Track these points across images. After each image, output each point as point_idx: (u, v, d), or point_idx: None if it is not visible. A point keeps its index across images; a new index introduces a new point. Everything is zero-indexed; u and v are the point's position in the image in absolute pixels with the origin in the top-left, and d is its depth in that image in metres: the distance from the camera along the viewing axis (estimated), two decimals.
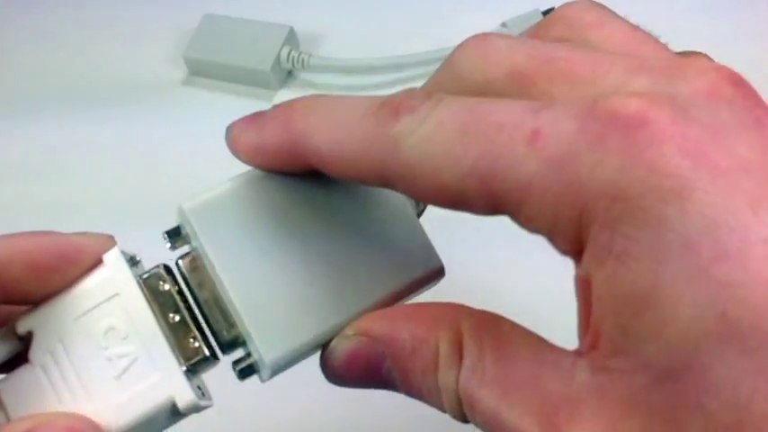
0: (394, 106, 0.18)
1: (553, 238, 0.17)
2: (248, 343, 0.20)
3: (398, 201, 0.21)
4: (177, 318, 0.21)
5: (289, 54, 0.48)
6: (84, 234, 0.21)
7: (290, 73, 0.49)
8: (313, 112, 0.20)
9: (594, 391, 0.16)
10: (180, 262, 0.21)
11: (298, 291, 0.20)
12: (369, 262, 0.21)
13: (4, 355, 0.21)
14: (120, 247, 0.21)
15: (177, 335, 0.20)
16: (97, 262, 0.21)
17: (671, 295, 0.15)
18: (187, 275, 0.21)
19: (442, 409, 0.19)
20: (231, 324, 0.21)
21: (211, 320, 0.21)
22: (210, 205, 0.21)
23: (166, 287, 0.21)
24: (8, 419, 0.20)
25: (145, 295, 0.21)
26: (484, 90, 0.19)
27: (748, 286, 0.15)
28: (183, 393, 0.20)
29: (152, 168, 0.47)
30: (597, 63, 0.18)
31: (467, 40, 0.20)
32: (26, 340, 0.21)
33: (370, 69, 0.48)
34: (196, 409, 0.20)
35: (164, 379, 0.20)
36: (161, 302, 0.21)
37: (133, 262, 0.21)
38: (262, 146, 0.21)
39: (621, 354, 0.16)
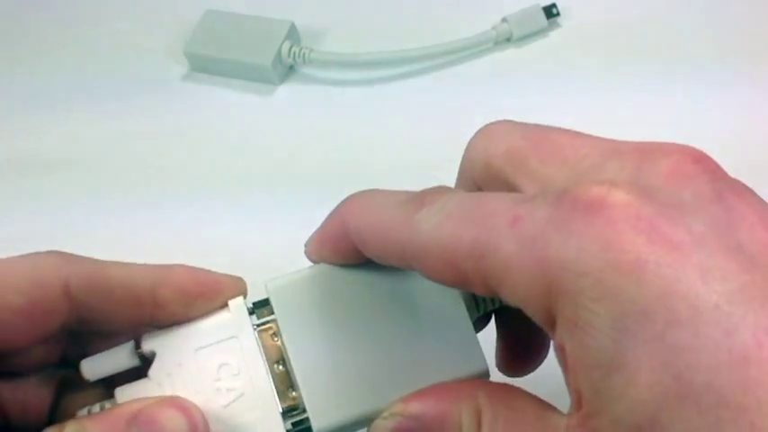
0: (419, 198, 0.21)
1: (529, 311, 0.19)
2: (306, 410, 0.23)
3: (454, 299, 0.24)
4: (281, 367, 0.24)
5: (290, 49, 0.48)
6: (225, 275, 0.25)
7: (291, 68, 0.49)
8: (359, 202, 0.23)
9: None
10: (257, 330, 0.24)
11: (352, 371, 0.23)
12: (418, 353, 0.23)
13: (124, 367, 0.24)
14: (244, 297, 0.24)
15: (279, 382, 0.23)
16: (224, 304, 0.24)
17: (631, 360, 0.17)
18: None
19: None
20: (294, 391, 0.23)
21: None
22: (290, 286, 0.24)
23: (276, 340, 0.24)
24: None
25: (258, 342, 0.24)
26: (488, 167, 0.22)
27: (700, 349, 0.16)
28: None
29: (154, 164, 0.47)
30: (579, 146, 0.21)
31: (480, 128, 0.23)
32: (146, 358, 0.24)
33: (371, 64, 0.48)
34: None
35: (263, 417, 0.23)
36: (269, 352, 0.24)
37: (251, 312, 0.24)
38: (323, 240, 0.24)
39: (597, 413, 0.18)
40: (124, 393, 0.23)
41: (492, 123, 0.23)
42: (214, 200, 0.45)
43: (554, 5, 0.48)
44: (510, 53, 0.48)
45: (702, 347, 0.16)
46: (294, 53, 0.48)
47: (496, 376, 0.24)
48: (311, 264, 0.25)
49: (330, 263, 0.25)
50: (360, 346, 0.23)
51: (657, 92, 0.45)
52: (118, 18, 0.54)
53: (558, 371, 0.19)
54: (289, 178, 0.45)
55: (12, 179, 0.48)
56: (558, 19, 0.48)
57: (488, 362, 0.24)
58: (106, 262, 0.24)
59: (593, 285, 0.17)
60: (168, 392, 0.23)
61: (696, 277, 0.17)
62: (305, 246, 0.25)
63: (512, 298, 0.19)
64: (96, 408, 0.23)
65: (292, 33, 0.49)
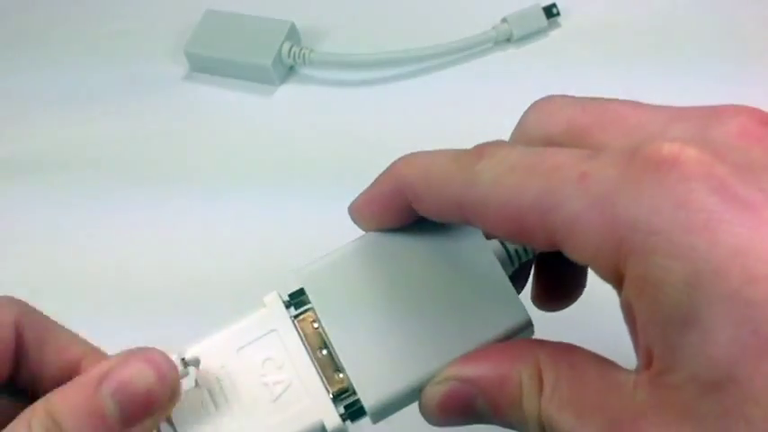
0: (477, 151, 0.21)
1: (596, 268, 0.19)
2: (355, 391, 0.23)
3: (488, 258, 0.24)
4: (324, 352, 0.24)
5: (290, 49, 0.48)
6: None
7: (291, 68, 0.49)
8: (413, 159, 0.23)
9: (652, 406, 0.18)
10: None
11: (396, 344, 0.23)
12: (460, 316, 0.24)
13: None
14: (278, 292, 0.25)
15: (324, 367, 0.24)
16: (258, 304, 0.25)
17: (707, 317, 0.17)
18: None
19: None
20: (341, 374, 0.24)
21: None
22: (323, 271, 0.24)
23: (316, 326, 0.24)
24: None
25: (298, 331, 0.24)
26: (548, 142, 0.22)
27: None
28: (331, 417, 0.23)
29: (154, 164, 0.47)
30: (641, 114, 0.21)
31: (534, 102, 0.23)
32: (192, 365, 0.24)
33: (372, 64, 0.48)
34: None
35: (314, 404, 0.23)
36: (311, 339, 0.24)
37: (287, 304, 0.24)
38: (374, 198, 0.24)
39: (672, 370, 0.17)
40: (177, 408, 0.23)
41: (546, 98, 0.23)
42: (214, 200, 0.45)
43: (554, 5, 0.48)
44: (510, 53, 0.48)
45: None
46: (294, 54, 0.48)
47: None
48: (327, 251, 0.25)
49: (376, 225, 0.24)
50: (400, 318, 0.24)
51: (657, 91, 0.44)
52: (118, 18, 0.54)
53: (614, 331, 0.19)
54: (289, 178, 0.45)
55: (12, 179, 0.48)
56: (558, 19, 0.48)
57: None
58: (50, 319, 0.25)
59: (665, 244, 0.17)
60: (216, 396, 0.23)
61: None
62: (349, 209, 0.25)
63: (577, 254, 0.19)
64: None
65: (292, 34, 0.49)
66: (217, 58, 0.49)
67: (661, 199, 0.17)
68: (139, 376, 0.21)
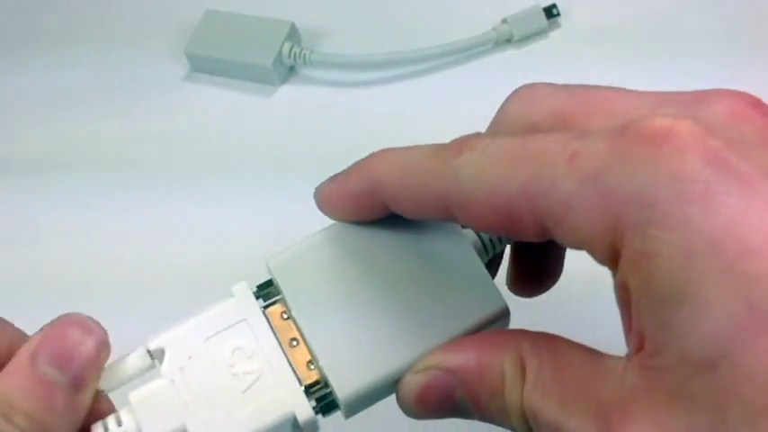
0: (456, 145, 0.20)
1: (591, 249, 0.18)
2: (328, 382, 0.22)
3: (464, 247, 0.23)
4: (296, 343, 0.23)
5: (290, 50, 0.48)
6: None
7: (291, 68, 0.49)
8: (386, 157, 0.22)
9: (643, 390, 0.17)
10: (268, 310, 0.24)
11: (370, 334, 0.23)
12: (436, 305, 0.23)
13: (141, 370, 0.23)
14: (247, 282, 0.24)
15: (296, 358, 0.23)
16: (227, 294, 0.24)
17: (702, 291, 0.16)
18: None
19: (513, 429, 0.20)
20: (313, 365, 0.23)
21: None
22: (292, 261, 0.24)
23: (286, 317, 0.23)
24: (140, 430, 0.22)
25: (269, 322, 0.23)
26: (530, 131, 0.21)
27: None
28: (303, 409, 0.22)
29: (154, 164, 0.47)
30: (628, 99, 0.20)
31: (515, 90, 0.22)
32: (158, 357, 0.23)
33: (372, 65, 0.48)
34: (314, 425, 0.23)
35: (285, 395, 0.22)
36: (281, 330, 0.23)
37: (256, 296, 0.24)
38: (344, 194, 0.23)
39: (663, 350, 0.17)
40: (139, 396, 0.22)
41: (529, 86, 0.22)
42: (214, 200, 0.45)
43: (554, 6, 0.48)
44: (510, 54, 0.48)
45: None
46: (295, 54, 0.48)
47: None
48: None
49: (346, 219, 0.24)
50: (374, 307, 0.23)
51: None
52: (118, 18, 0.54)
53: (599, 325, 0.18)
54: (289, 178, 0.45)
55: (12, 179, 0.48)
56: (559, 19, 0.48)
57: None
58: None
59: (661, 216, 0.17)
60: (182, 388, 0.22)
61: (765, 208, 0.16)
62: (316, 197, 0.24)
63: (571, 237, 0.18)
64: (111, 420, 0.22)
65: (293, 34, 0.49)
66: (217, 59, 0.49)
67: (655, 171, 0.17)
68: (69, 337, 0.22)
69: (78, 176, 0.47)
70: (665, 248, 0.16)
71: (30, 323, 0.23)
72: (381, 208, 0.23)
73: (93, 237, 0.44)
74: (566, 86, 0.22)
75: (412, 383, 0.22)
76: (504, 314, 0.23)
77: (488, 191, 0.19)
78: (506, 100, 0.22)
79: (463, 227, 0.24)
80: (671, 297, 0.16)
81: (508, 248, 0.26)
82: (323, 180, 0.24)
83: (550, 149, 0.19)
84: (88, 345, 0.22)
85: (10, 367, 0.21)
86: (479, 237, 0.24)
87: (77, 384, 0.21)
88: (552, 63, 0.47)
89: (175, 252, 0.43)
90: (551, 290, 0.27)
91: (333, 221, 0.24)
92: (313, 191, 0.24)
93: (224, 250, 0.42)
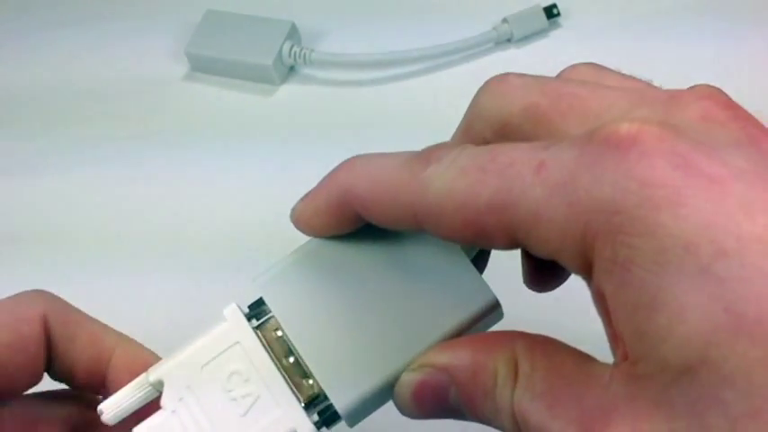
0: (424, 156, 0.20)
1: (563, 259, 0.18)
2: (326, 395, 0.23)
3: (448, 245, 0.23)
4: (291, 359, 0.23)
5: (291, 49, 0.48)
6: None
7: (291, 68, 0.49)
8: (355, 167, 0.22)
9: (625, 398, 0.17)
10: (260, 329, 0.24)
11: (363, 342, 0.23)
12: (426, 305, 0.23)
13: (141, 403, 0.24)
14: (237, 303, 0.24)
15: (292, 375, 0.23)
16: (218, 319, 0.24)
17: (677, 295, 0.16)
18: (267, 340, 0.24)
19: (504, 430, 0.20)
20: (310, 380, 0.23)
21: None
22: (278, 278, 0.24)
23: (279, 334, 0.23)
24: None
25: (261, 342, 0.23)
26: (504, 125, 0.21)
27: (748, 280, 0.15)
28: (304, 426, 0.22)
29: (154, 164, 0.47)
30: (602, 97, 0.20)
31: (487, 82, 0.22)
32: (158, 388, 0.23)
33: (372, 64, 0.48)
34: None
35: (285, 414, 0.22)
36: (275, 348, 0.23)
37: (249, 317, 0.24)
38: (317, 211, 0.23)
39: (643, 358, 0.17)
40: (143, 430, 0.23)
41: (501, 77, 0.22)
42: (214, 200, 0.45)
43: (554, 6, 0.48)
44: (511, 53, 0.48)
45: (751, 278, 0.15)
46: (295, 53, 0.48)
47: (510, 310, 0.23)
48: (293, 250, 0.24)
49: (324, 235, 0.24)
50: (364, 315, 0.23)
51: None
52: (118, 18, 0.54)
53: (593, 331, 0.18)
54: (289, 179, 0.45)
55: (12, 179, 0.48)
56: (559, 19, 0.48)
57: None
58: (79, 311, 0.25)
59: (631, 222, 0.16)
60: (185, 417, 0.23)
61: (737, 209, 0.16)
62: (292, 216, 0.24)
63: (542, 248, 0.18)
64: None
65: (293, 34, 0.49)
66: (217, 58, 0.49)
67: (623, 178, 0.17)
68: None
69: (77, 176, 0.47)
70: (637, 255, 0.16)
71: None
72: (356, 218, 0.23)
73: (92, 236, 0.44)
74: (538, 80, 0.21)
75: (407, 381, 0.22)
76: (494, 307, 0.23)
77: (456, 204, 0.19)
78: (478, 93, 0.22)
79: None
80: (645, 304, 0.16)
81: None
82: (322, 181, 0.24)
83: (518, 161, 0.18)
84: None
85: None
86: None
87: None
88: (552, 63, 0.47)
89: (173, 248, 0.43)
90: (556, 291, 0.27)
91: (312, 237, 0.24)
92: (290, 216, 0.24)
93: (220, 248, 0.42)
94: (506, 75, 0.22)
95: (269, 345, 0.23)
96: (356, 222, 0.23)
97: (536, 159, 0.18)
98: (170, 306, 0.40)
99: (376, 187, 0.21)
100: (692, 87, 0.20)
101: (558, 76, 0.23)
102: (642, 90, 0.20)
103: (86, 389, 0.25)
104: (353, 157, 0.23)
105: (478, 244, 0.20)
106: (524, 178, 0.18)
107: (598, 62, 0.23)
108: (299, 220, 0.24)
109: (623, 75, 0.22)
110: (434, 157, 0.20)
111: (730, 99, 0.19)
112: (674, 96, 0.19)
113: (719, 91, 0.19)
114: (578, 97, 0.20)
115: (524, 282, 0.26)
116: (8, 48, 0.54)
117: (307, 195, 0.24)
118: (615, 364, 0.18)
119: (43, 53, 0.53)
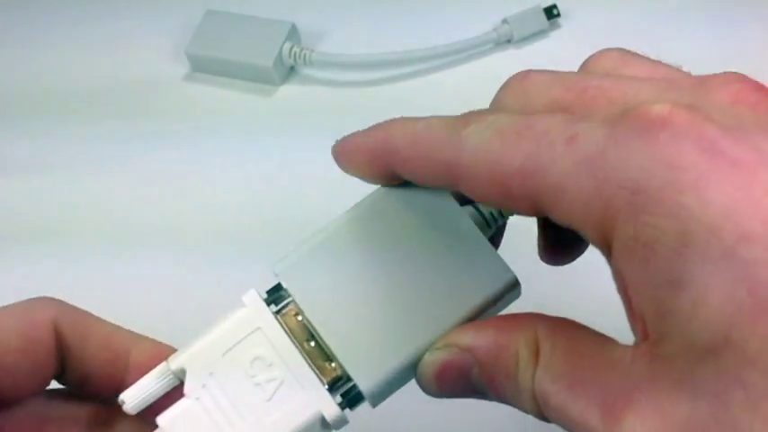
0: (464, 117, 0.21)
1: (585, 231, 0.18)
2: (350, 377, 0.23)
3: (466, 225, 0.24)
4: (313, 343, 0.23)
5: (291, 50, 0.48)
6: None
7: (292, 69, 0.50)
8: (402, 123, 0.23)
9: (648, 378, 0.17)
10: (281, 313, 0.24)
11: (384, 323, 0.23)
12: (446, 286, 0.23)
13: (163, 391, 0.24)
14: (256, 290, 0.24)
15: (315, 358, 0.23)
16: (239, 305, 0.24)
17: (701, 277, 0.16)
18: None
19: (526, 411, 0.20)
20: (333, 362, 0.23)
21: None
22: (297, 263, 0.24)
23: (299, 318, 0.23)
24: None
25: (282, 326, 0.23)
26: None
27: None
28: (330, 408, 0.23)
29: (154, 164, 0.47)
30: (627, 88, 0.20)
31: (509, 80, 0.22)
32: (179, 377, 0.23)
33: (372, 65, 0.48)
34: (343, 421, 0.23)
35: (310, 397, 0.23)
36: (296, 332, 0.23)
37: (268, 302, 0.24)
38: (362, 148, 0.24)
39: (666, 338, 0.17)
40: (167, 418, 0.23)
41: (522, 75, 0.22)
42: (214, 200, 0.45)
43: (555, 6, 0.48)
44: (511, 54, 0.48)
45: None
46: (295, 54, 0.48)
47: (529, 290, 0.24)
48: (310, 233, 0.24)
49: (355, 173, 0.24)
50: (384, 296, 0.23)
51: None
52: (118, 18, 0.54)
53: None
54: (289, 179, 0.45)
55: (11, 179, 0.48)
56: (559, 20, 0.48)
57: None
58: (90, 314, 0.25)
59: (655, 203, 0.17)
60: (209, 404, 0.23)
61: (763, 194, 0.16)
62: (334, 148, 0.25)
63: (564, 218, 0.19)
64: None
65: (293, 34, 0.49)
66: (218, 59, 0.49)
67: (650, 158, 0.17)
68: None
69: (77, 176, 0.47)
70: (660, 235, 0.16)
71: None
72: (388, 173, 0.23)
73: (91, 236, 0.44)
74: (560, 76, 0.22)
75: (431, 360, 0.22)
76: (514, 285, 0.23)
77: (489, 163, 0.20)
78: (500, 91, 0.23)
79: (464, 201, 0.24)
80: (669, 284, 0.16)
81: (533, 219, 0.26)
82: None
83: (552, 130, 0.19)
84: None
85: None
86: (480, 212, 0.25)
87: None
88: (552, 63, 0.47)
89: (175, 247, 0.43)
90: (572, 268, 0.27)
91: (330, 220, 0.24)
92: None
93: (220, 247, 0.42)
94: (527, 72, 0.22)
95: (290, 329, 0.23)
96: (386, 178, 0.23)
97: (570, 131, 0.18)
98: (173, 304, 0.40)
99: (416, 141, 0.22)
100: (719, 73, 0.20)
101: (583, 65, 0.23)
102: (669, 77, 0.21)
103: (102, 394, 0.25)
104: (402, 117, 0.23)
105: (506, 206, 0.20)
106: (556, 148, 0.18)
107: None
108: (342, 151, 0.24)
109: (651, 60, 0.22)
110: (474, 119, 0.20)
111: (759, 83, 0.19)
112: (702, 81, 0.20)
113: (746, 76, 0.20)
114: (602, 89, 0.20)
115: (539, 255, 0.27)
116: (8, 48, 0.54)
117: (355, 133, 0.24)
118: (636, 344, 0.18)
119: (43, 53, 0.53)
